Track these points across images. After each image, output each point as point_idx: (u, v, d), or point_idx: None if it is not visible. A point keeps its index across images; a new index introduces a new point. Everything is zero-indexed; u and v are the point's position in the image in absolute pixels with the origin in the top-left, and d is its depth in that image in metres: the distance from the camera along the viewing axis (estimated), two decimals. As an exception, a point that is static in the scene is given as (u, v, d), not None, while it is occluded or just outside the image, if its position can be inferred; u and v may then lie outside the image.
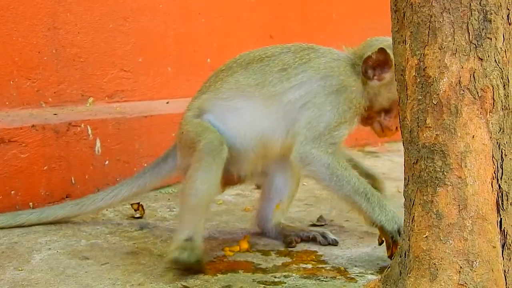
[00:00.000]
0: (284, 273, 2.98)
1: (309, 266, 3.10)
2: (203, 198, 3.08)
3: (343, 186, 3.03)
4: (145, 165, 3.65)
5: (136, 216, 3.81)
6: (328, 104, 3.09)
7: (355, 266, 3.08)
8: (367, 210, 3.00)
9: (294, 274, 2.98)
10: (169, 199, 4.23)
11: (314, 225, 3.72)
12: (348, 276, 2.97)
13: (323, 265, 3.11)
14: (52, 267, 3.01)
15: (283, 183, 3.49)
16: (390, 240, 2.96)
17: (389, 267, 2.35)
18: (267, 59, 3.25)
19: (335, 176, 3.03)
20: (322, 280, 2.92)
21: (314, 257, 3.23)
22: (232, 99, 3.23)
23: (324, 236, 3.45)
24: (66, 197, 3.91)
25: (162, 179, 3.60)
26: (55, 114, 4.04)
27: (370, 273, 2.97)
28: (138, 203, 3.88)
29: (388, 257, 2.98)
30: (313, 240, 3.44)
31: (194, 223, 3.07)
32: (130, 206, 3.89)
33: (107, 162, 4.17)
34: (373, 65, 3.12)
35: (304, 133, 3.08)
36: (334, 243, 3.39)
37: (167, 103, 4.76)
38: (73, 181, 3.96)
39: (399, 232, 2.93)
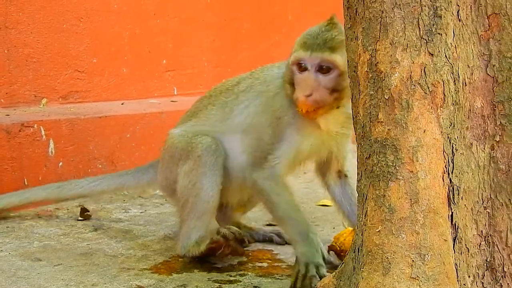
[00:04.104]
0: (240, 272, 2.97)
1: (265, 264, 3.10)
2: (214, 201, 3.08)
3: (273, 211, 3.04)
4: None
5: (79, 219, 3.75)
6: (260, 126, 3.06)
7: (311, 264, 3.08)
8: (289, 237, 3.09)
9: (249, 273, 2.98)
10: (124, 200, 4.19)
11: (270, 224, 3.72)
12: (304, 273, 2.97)
13: (279, 264, 3.12)
14: (3, 269, 2.96)
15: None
16: (296, 271, 2.83)
17: (343, 263, 2.36)
18: (225, 90, 3.21)
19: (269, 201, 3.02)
20: (278, 278, 2.92)
21: (270, 256, 3.23)
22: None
23: (280, 235, 3.45)
24: (19, 199, 3.85)
25: (140, 187, 3.66)
26: (7, 115, 3.98)
27: (326, 271, 2.97)
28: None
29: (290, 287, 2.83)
30: (270, 241, 3.45)
31: (205, 226, 3.08)
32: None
33: (60, 163, 4.11)
34: None
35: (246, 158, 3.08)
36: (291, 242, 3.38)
37: (122, 104, 4.72)
38: (25, 183, 3.89)
39: (307, 267, 2.83)
